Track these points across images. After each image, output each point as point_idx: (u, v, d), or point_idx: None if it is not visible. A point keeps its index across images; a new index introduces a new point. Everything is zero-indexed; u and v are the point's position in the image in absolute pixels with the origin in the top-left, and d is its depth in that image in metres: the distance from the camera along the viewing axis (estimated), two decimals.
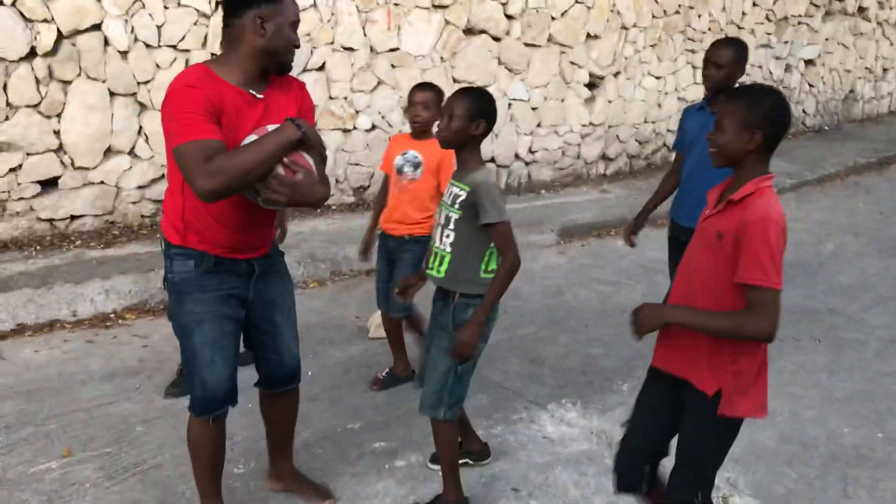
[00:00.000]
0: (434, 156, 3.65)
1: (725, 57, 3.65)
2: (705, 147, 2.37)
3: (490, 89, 7.52)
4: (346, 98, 6.68)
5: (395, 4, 6.73)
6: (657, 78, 9.10)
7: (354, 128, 6.77)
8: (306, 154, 2.39)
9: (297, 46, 2.51)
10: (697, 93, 9.66)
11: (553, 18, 7.83)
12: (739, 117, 2.18)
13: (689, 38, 9.32)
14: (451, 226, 2.75)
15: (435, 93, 3.71)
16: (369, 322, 4.64)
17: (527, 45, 7.71)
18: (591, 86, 8.46)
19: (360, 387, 4.01)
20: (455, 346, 2.71)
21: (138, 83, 5.61)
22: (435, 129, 2.91)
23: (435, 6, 6.96)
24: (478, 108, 2.70)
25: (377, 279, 4.00)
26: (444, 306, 2.82)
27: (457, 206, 2.73)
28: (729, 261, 2.15)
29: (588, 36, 8.19)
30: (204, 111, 2.28)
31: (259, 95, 2.45)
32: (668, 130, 9.42)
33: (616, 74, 8.63)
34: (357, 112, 6.77)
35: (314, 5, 6.29)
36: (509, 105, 7.78)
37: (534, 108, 8.00)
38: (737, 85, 3.64)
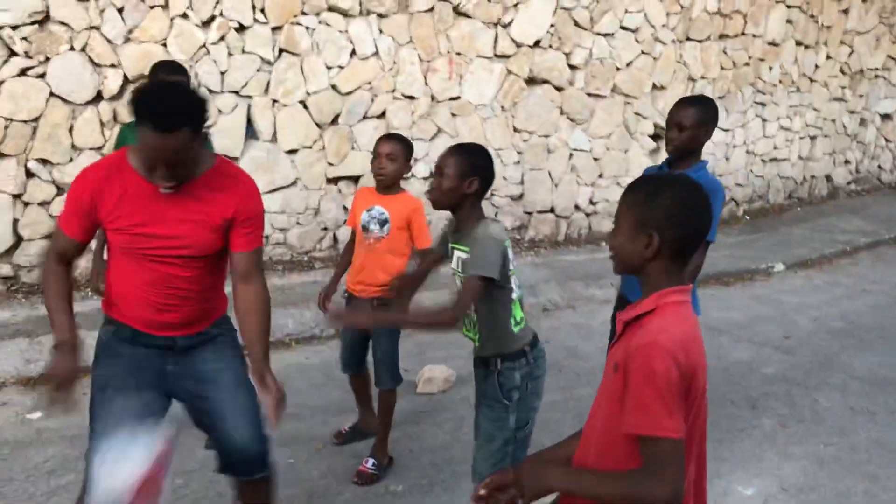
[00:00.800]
0: (402, 210, 3.47)
1: (689, 118, 3.29)
2: None
3: (551, 139, 7.43)
4: None
5: (458, 54, 6.72)
6: (725, 130, 8.87)
7: (412, 175, 6.72)
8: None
9: (152, 174, 2.22)
10: (767, 147, 9.40)
11: (618, 69, 7.72)
12: (635, 214, 1.69)
13: (758, 91, 9.09)
14: None
15: (403, 144, 3.49)
16: (418, 377, 4.51)
17: (590, 94, 7.60)
18: (656, 137, 8.29)
19: (406, 445, 3.87)
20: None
21: None
22: (428, 187, 2.71)
23: (497, 56, 6.93)
24: (470, 165, 2.54)
25: (343, 345, 3.79)
26: (487, 374, 2.64)
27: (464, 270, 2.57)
28: (622, 401, 1.63)
29: (654, 87, 8.06)
30: (77, 202, 2.33)
31: (164, 190, 2.25)
32: (737, 184, 9.16)
33: None
34: (416, 160, 6.72)
35: (376, 54, 6.32)
36: (570, 155, 7.66)
37: (596, 159, 7.86)
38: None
